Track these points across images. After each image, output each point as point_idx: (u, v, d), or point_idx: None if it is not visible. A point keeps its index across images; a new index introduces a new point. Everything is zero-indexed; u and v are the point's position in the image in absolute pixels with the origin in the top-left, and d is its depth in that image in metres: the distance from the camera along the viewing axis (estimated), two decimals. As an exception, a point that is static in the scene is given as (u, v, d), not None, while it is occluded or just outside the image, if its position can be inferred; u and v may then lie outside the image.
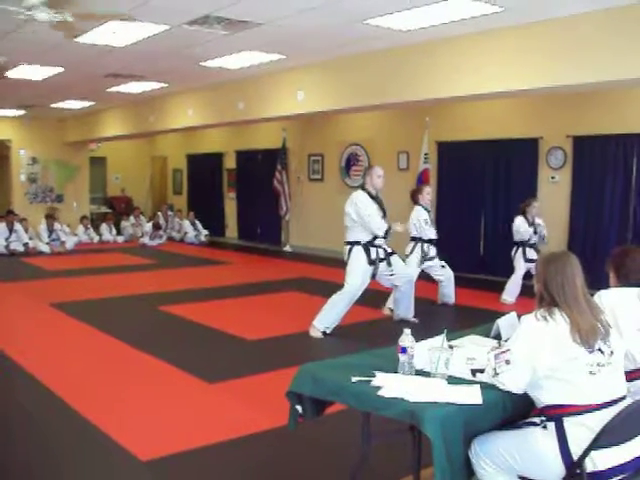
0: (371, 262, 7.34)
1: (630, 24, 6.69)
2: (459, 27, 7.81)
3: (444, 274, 9.01)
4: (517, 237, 9.36)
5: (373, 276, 7.46)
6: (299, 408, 3.25)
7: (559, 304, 2.74)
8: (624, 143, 9.94)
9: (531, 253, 9.28)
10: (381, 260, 7.42)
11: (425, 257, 8.72)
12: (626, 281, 3.50)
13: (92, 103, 15.53)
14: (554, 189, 10.93)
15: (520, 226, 9.27)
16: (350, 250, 7.38)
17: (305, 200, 15.81)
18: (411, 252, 8.73)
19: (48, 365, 6.21)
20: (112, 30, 7.97)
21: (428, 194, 8.93)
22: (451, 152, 12.33)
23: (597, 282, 3.61)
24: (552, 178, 10.96)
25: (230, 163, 18.21)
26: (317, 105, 10.52)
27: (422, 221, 8.62)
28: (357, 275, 7.31)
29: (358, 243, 7.35)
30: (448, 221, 12.12)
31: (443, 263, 8.96)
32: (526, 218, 9.29)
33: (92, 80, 11.94)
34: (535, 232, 9.27)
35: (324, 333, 7.28)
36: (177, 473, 4.01)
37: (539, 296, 2.86)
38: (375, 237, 7.32)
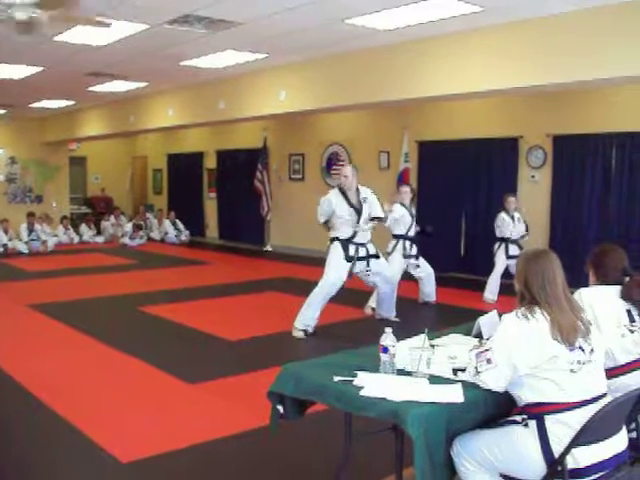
0: (348, 258, 7.36)
1: (609, 24, 6.75)
2: (439, 27, 7.83)
3: (424, 271, 9.04)
4: (498, 233, 9.44)
5: (350, 274, 7.45)
6: (280, 408, 3.24)
7: (540, 302, 2.75)
8: (603, 142, 10.02)
9: (513, 249, 9.33)
10: (360, 259, 7.42)
11: (405, 255, 8.70)
12: (605, 279, 3.52)
13: (72, 102, 15.43)
14: (534, 188, 10.99)
15: (500, 221, 9.37)
16: (329, 246, 7.51)
17: (286, 200, 15.79)
18: (393, 250, 8.73)
19: (26, 367, 6.15)
20: (92, 29, 7.90)
21: (405, 192, 8.90)
22: (432, 151, 12.37)
23: (577, 280, 3.64)
24: (532, 177, 11.02)
25: (211, 163, 18.16)
26: (298, 105, 10.52)
27: (391, 219, 8.45)
28: (332, 269, 7.36)
29: (337, 239, 7.43)
30: (429, 220, 12.09)
31: (419, 263, 8.95)
32: (507, 213, 9.39)
33: (72, 79, 11.86)
34: (527, 229, 9.47)
35: (305, 333, 7.27)
36: (158, 475, 3.98)
37: (520, 295, 2.86)
38: (355, 234, 7.36)
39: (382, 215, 7.61)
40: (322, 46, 9.05)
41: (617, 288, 3.46)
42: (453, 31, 8.00)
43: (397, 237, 8.77)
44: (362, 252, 7.45)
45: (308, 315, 7.33)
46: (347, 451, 3.29)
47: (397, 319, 7.93)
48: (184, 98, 13.01)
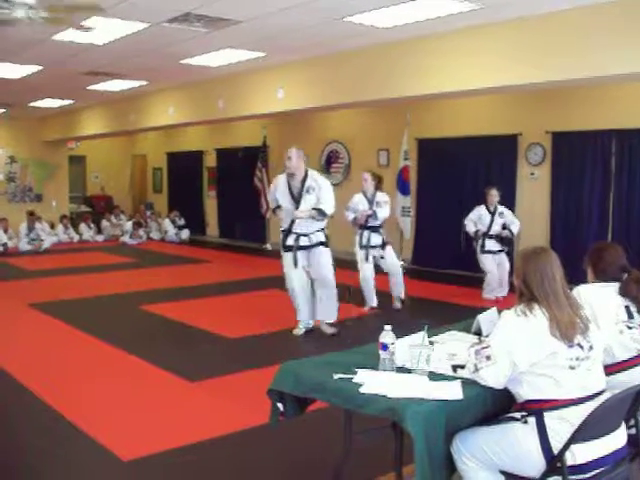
0: (286, 248, 7.08)
1: (608, 22, 6.75)
2: (438, 24, 7.84)
3: (390, 264, 8.57)
4: (471, 227, 9.31)
5: (296, 264, 7.06)
6: (280, 406, 3.24)
7: (539, 299, 2.76)
8: (603, 139, 10.01)
9: (490, 244, 9.15)
10: (299, 248, 7.03)
11: (362, 245, 8.33)
12: (604, 276, 3.53)
13: (71, 101, 15.43)
14: (533, 185, 11.00)
15: (469, 217, 9.29)
16: None
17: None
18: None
19: (27, 365, 6.16)
20: (92, 27, 7.90)
21: (365, 180, 8.49)
22: (431, 149, 12.38)
23: (576, 277, 3.64)
24: (531, 174, 11.02)
25: (210, 161, 18.16)
26: (297, 103, 10.52)
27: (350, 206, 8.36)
28: (283, 264, 7.18)
29: (282, 231, 7.20)
30: (429, 217, 12.18)
31: (384, 254, 8.48)
32: (487, 208, 9.20)
33: (71, 78, 11.86)
34: (504, 227, 9.16)
35: (306, 330, 7.25)
36: (159, 472, 4.00)
37: (519, 291, 2.87)
38: (292, 223, 6.98)
39: (327, 210, 6.92)
40: (321, 44, 9.05)
41: (615, 285, 3.47)
42: (451, 29, 8.00)
43: (360, 227, 8.41)
44: (304, 241, 7.02)
45: (297, 312, 7.25)
46: (347, 448, 3.30)
47: (333, 330, 7.28)
48: (184, 97, 13.02)
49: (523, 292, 2.84)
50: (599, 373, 2.80)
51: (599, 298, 3.38)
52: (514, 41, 7.55)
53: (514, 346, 2.70)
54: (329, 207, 6.93)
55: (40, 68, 10.85)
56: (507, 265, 9.19)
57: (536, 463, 2.67)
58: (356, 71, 9.32)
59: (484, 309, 3.71)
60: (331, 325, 7.27)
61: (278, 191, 7.04)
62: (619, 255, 3.57)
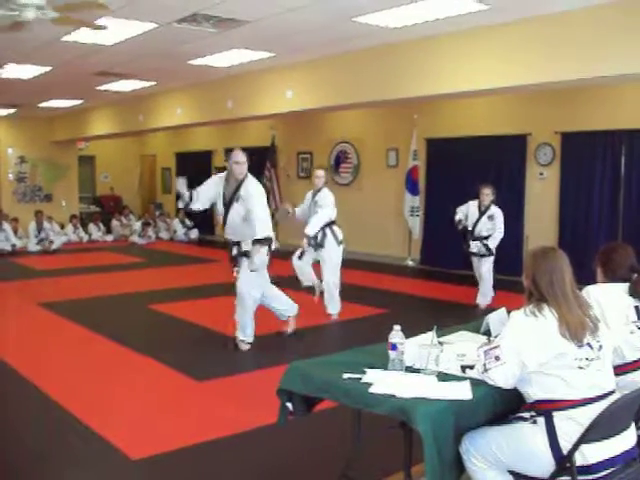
0: (231, 259, 6.58)
1: (617, 21, 6.73)
2: (446, 25, 7.83)
3: (324, 260, 8.04)
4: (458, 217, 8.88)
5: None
6: (289, 405, 3.25)
7: (548, 300, 2.75)
8: (612, 139, 9.98)
9: (474, 245, 8.68)
10: (235, 257, 6.57)
11: (309, 244, 7.91)
12: (613, 277, 3.52)
13: (80, 102, 15.49)
14: (543, 185, 10.97)
15: (464, 205, 8.86)
16: None
17: (294, 198, 15.77)
18: None
19: (37, 364, 6.19)
20: (104, 25, 7.92)
21: (317, 177, 8.17)
22: (440, 149, 12.36)
23: (585, 278, 3.63)
24: (541, 174, 11.00)
25: (219, 161, 18.16)
26: (306, 103, 10.53)
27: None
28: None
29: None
30: (437, 217, 12.15)
31: (322, 253, 8.00)
32: (479, 205, 8.68)
33: (80, 79, 11.90)
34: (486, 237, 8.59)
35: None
36: (168, 471, 4.01)
37: (528, 292, 2.87)
38: (225, 228, 6.53)
39: (258, 234, 6.23)
40: (330, 44, 9.05)
41: (625, 285, 3.46)
42: (460, 29, 7.99)
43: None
44: (234, 250, 6.54)
45: (240, 324, 6.65)
46: (356, 448, 3.30)
47: (293, 333, 7.07)
48: (192, 97, 13.04)
49: (532, 292, 2.83)
50: (609, 373, 2.80)
51: (609, 298, 3.37)
52: (523, 41, 7.54)
53: (523, 346, 2.70)
54: (259, 219, 6.26)
55: (50, 69, 10.89)
56: (485, 270, 8.67)
57: (545, 463, 2.66)
58: (365, 71, 9.32)
59: (493, 309, 3.70)
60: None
61: (217, 190, 6.45)
62: (629, 255, 3.56)
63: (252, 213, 6.22)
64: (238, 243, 6.44)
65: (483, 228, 8.58)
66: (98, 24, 7.12)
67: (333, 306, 7.96)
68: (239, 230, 6.39)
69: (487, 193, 8.59)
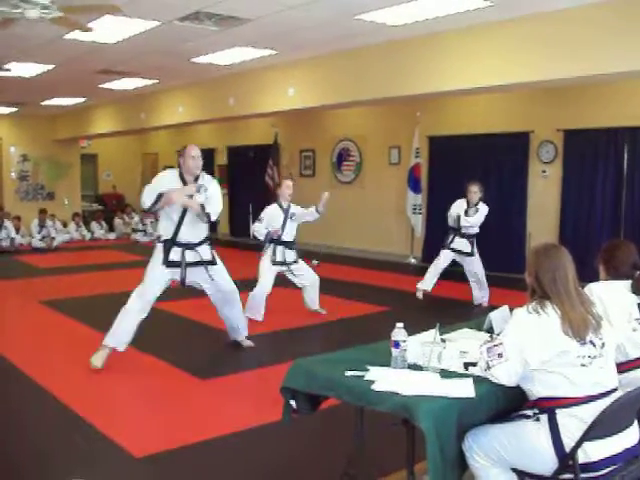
0: (168, 263, 5.95)
1: (619, 18, 6.73)
2: (449, 22, 7.83)
3: (307, 279, 7.94)
4: (451, 221, 8.70)
5: (182, 283, 6.05)
6: (293, 403, 3.25)
7: (551, 297, 2.75)
8: (615, 136, 9.97)
9: (460, 243, 8.51)
10: (189, 264, 5.99)
11: (276, 261, 7.71)
12: (616, 274, 3.52)
13: (83, 100, 15.50)
14: (545, 183, 10.97)
15: (452, 209, 8.62)
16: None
17: (297, 196, 15.73)
18: (264, 255, 7.81)
19: (39, 362, 6.20)
20: (104, 26, 7.94)
21: (287, 188, 7.87)
22: (442, 147, 12.35)
23: (587, 275, 3.63)
24: (543, 172, 10.99)
25: (221, 159, 18.18)
26: (308, 101, 10.53)
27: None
28: (144, 279, 6.04)
29: (159, 239, 6.04)
30: (439, 215, 12.10)
31: (299, 271, 7.86)
32: (468, 203, 8.49)
33: (83, 77, 11.91)
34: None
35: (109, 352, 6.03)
36: (172, 469, 4.02)
37: (531, 289, 2.87)
38: (177, 230, 5.93)
39: (212, 215, 5.91)
40: (332, 42, 9.05)
41: (628, 282, 3.46)
42: (463, 26, 7.99)
43: (271, 241, 7.73)
44: (190, 256, 5.98)
45: (119, 330, 5.95)
46: (358, 445, 3.30)
47: (251, 343, 6.69)
48: (194, 95, 13.05)
49: (535, 289, 2.83)
50: (611, 371, 2.80)
51: (611, 296, 3.37)
52: (526, 38, 7.53)
53: (526, 344, 2.70)
54: (215, 213, 5.94)
55: (52, 67, 10.90)
56: (478, 270, 8.62)
57: (548, 461, 2.67)
58: (368, 69, 9.32)
59: (495, 307, 3.70)
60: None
61: (167, 185, 5.86)
62: (632, 253, 3.56)
63: (212, 202, 5.91)
64: (194, 249, 6.00)
65: (468, 223, 8.47)
66: (87, 26, 7.14)
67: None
68: (196, 225, 5.97)
69: (475, 191, 8.44)
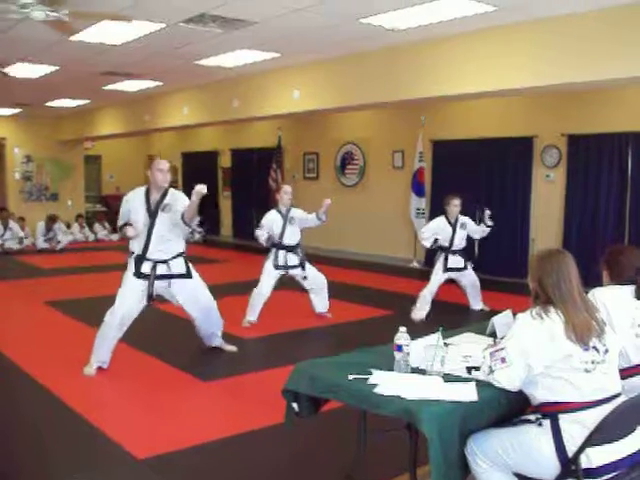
0: (139, 274, 5.89)
1: (624, 24, 6.73)
2: (453, 26, 7.83)
3: (314, 283, 7.97)
4: (426, 244, 8.34)
5: (150, 298, 5.94)
6: (295, 406, 3.26)
7: (554, 302, 2.75)
8: (619, 141, 9.95)
9: (454, 261, 8.18)
10: (158, 277, 5.92)
11: (278, 266, 7.77)
12: (620, 279, 3.52)
13: (87, 101, 15.51)
14: (549, 187, 10.95)
15: (428, 227, 8.28)
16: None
17: (300, 199, 15.77)
18: (266, 259, 7.88)
19: (43, 363, 6.21)
20: (108, 28, 7.96)
21: (286, 193, 7.88)
22: (446, 151, 12.34)
23: (592, 280, 3.63)
24: (547, 176, 10.98)
25: (225, 162, 18.19)
26: (312, 104, 10.54)
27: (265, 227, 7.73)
28: (119, 295, 5.95)
29: (132, 254, 6.00)
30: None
31: (306, 273, 7.86)
32: (447, 219, 8.18)
33: (87, 78, 11.93)
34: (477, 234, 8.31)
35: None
36: (174, 471, 4.01)
37: (534, 294, 2.87)
38: (146, 248, 5.90)
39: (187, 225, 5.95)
40: (336, 45, 9.06)
41: (631, 288, 3.45)
42: (467, 31, 7.99)
43: (274, 245, 7.81)
44: (161, 270, 5.94)
45: (101, 350, 5.94)
46: (360, 449, 3.31)
47: (234, 348, 6.68)
48: (198, 97, 13.06)
49: (539, 294, 2.83)
50: (615, 376, 2.80)
51: (615, 301, 3.37)
52: (530, 43, 7.54)
53: (529, 349, 2.70)
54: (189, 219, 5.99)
55: (57, 68, 10.91)
56: (476, 278, 8.42)
57: (550, 466, 2.67)
58: (371, 73, 9.33)
59: (498, 311, 3.70)
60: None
61: (132, 205, 6.00)
62: (635, 258, 3.55)
63: (179, 212, 5.88)
64: (166, 262, 5.97)
65: (460, 240, 8.22)
66: (119, 13, 7.15)
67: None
68: (166, 242, 5.97)
69: (457, 204, 8.18)
